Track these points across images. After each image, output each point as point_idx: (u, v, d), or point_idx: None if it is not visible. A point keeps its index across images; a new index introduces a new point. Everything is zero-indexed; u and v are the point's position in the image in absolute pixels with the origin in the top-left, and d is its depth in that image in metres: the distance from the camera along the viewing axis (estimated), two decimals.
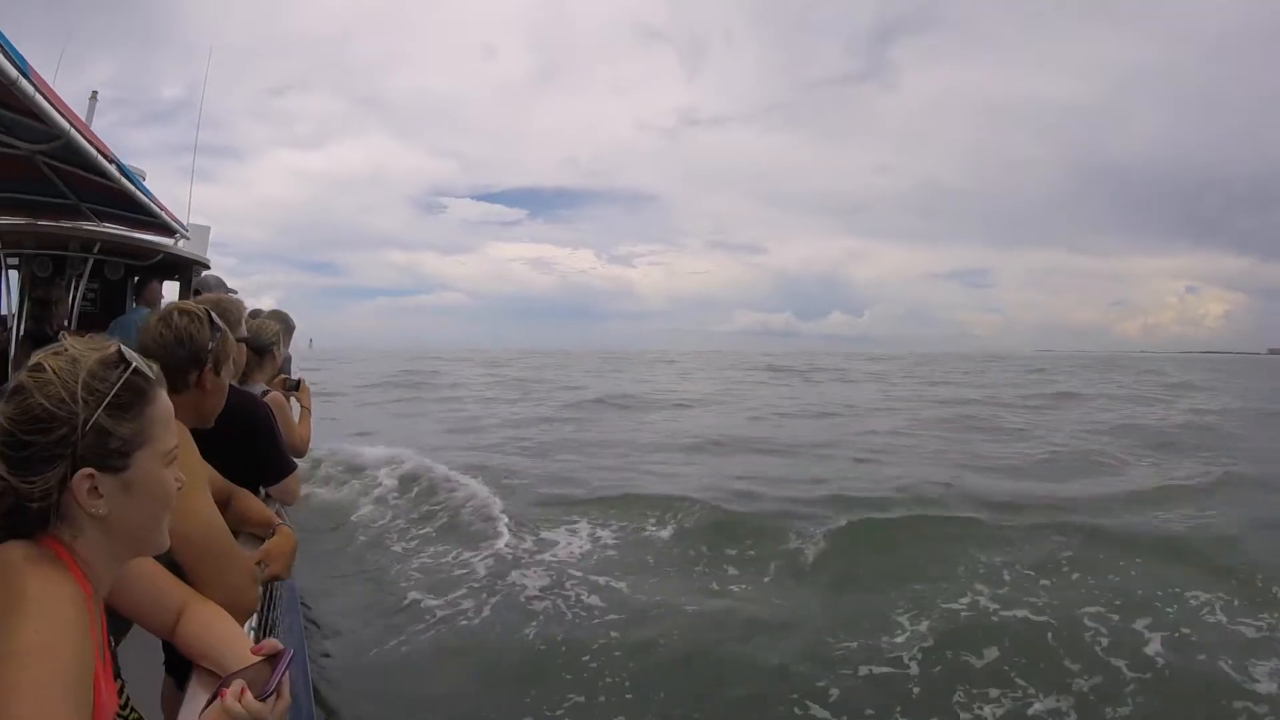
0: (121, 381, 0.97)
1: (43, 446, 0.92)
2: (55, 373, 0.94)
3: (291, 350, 4.17)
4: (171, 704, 1.25)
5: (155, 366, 1.04)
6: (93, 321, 4.71)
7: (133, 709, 1.08)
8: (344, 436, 12.19)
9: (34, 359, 0.97)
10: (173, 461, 1.04)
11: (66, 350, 0.97)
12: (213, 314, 1.81)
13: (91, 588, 0.96)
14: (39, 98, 2.43)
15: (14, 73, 2.23)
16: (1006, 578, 5.71)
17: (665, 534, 7.00)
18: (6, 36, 2.17)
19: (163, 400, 1.03)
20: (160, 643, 1.68)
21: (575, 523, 7.27)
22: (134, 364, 0.99)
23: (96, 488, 0.94)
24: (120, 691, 1.05)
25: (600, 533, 7.00)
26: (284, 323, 3.76)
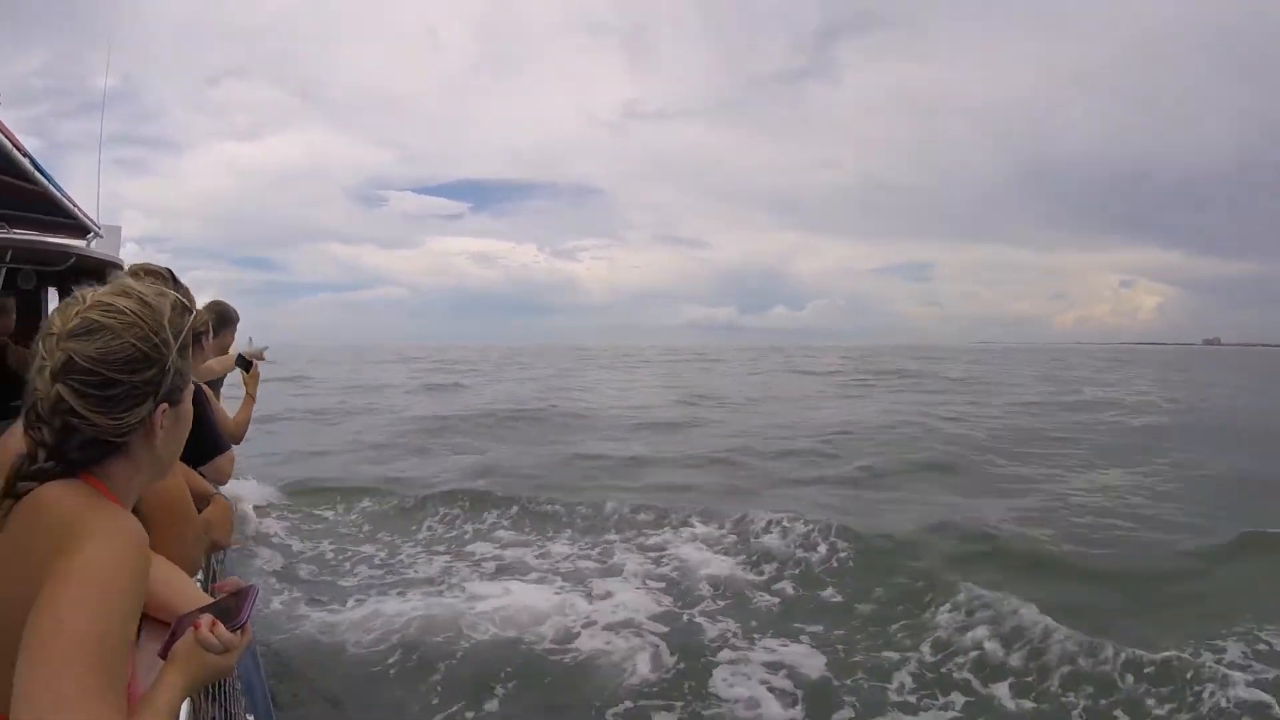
0: (190, 325, 1.06)
1: (133, 385, 0.96)
2: (139, 315, 0.98)
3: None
4: None
5: None
6: (11, 334, 4.69)
7: None
8: None
9: (94, 296, 1.00)
10: (192, 395, 1.14)
11: (137, 291, 1.02)
12: (174, 274, 1.97)
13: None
14: None
15: None
16: None
17: None
18: None
19: None
20: None
21: None
22: (196, 310, 1.11)
23: (162, 421, 1.03)
24: None
25: None
26: (219, 313, 3.89)
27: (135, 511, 1.34)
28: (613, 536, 7.55)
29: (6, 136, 3.16)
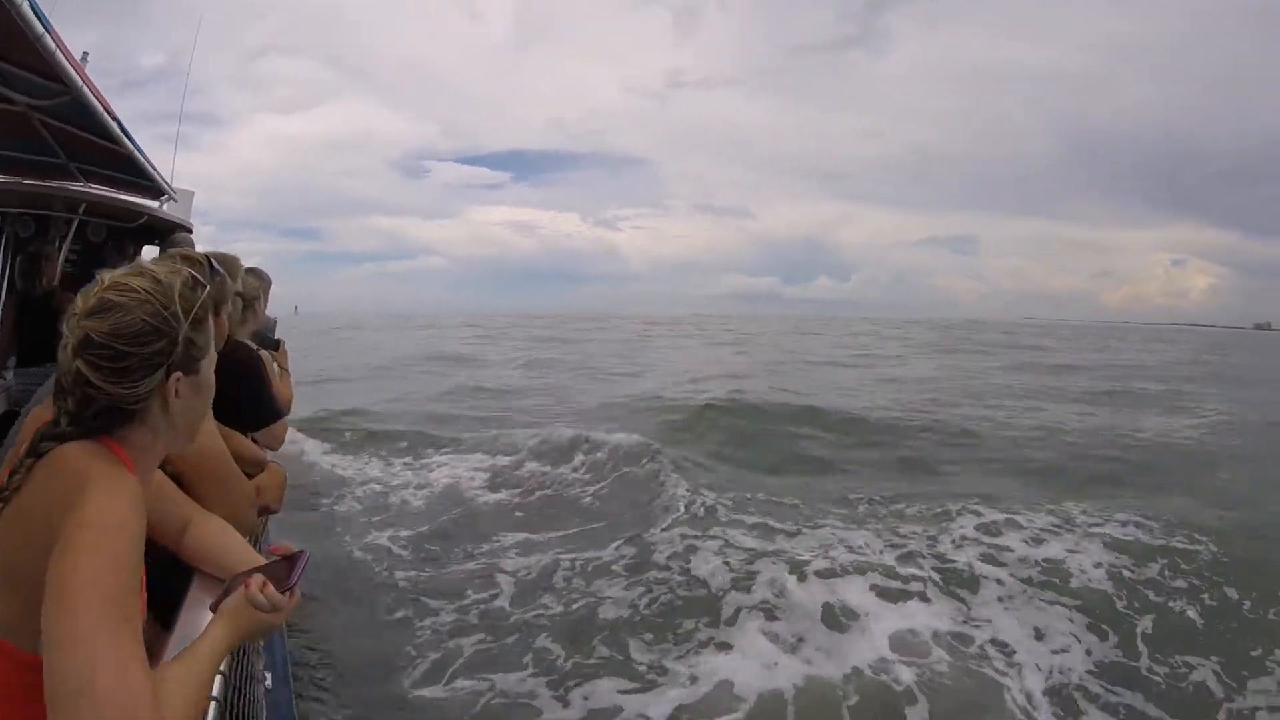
0: (201, 299, 1.12)
1: (144, 357, 1.04)
2: (149, 292, 1.06)
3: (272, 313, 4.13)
4: (150, 640, 1.21)
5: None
6: (73, 282, 4.75)
7: None
8: None
9: (111, 278, 1.07)
10: (213, 365, 1.21)
11: (149, 271, 1.09)
12: (213, 258, 2.04)
13: (142, 486, 1.08)
14: (58, 54, 2.48)
15: (39, 28, 2.27)
16: None
17: None
18: None
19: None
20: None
21: None
22: (209, 286, 1.16)
23: (178, 389, 1.09)
24: None
25: None
26: (261, 279, 3.84)
27: (173, 476, 1.45)
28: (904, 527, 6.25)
29: (98, 99, 3.14)
